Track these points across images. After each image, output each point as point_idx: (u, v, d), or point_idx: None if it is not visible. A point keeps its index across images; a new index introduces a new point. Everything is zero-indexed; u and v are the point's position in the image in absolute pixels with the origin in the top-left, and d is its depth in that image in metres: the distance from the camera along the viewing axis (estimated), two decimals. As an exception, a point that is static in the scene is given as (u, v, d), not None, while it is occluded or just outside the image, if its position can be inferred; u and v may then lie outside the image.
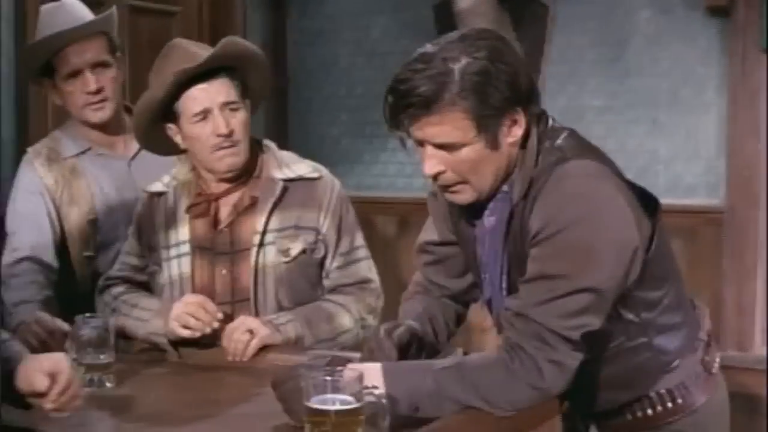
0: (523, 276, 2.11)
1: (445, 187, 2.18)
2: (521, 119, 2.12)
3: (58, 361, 2.06)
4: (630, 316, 2.18)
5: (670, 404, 2.24)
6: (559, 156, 2.12)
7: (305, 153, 3.01)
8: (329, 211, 2.83)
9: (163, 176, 2.94)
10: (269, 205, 2.80)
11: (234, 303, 2.80)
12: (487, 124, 2.07)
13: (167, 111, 2.77)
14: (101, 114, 3.12)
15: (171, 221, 2.87)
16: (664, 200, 2.27)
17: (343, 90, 5.83)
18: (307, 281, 2.82)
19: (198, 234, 2.84)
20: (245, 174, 2.83)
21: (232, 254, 2.81)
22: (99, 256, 3.15)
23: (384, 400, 1.93)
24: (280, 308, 2.78)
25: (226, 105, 2.75)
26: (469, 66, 2.05)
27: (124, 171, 3.19)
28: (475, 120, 2.06)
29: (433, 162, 2.12)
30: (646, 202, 2.18)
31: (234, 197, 2.84)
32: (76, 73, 3.08)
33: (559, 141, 2.16)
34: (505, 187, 2.16)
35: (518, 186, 2.14)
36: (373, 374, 2.03)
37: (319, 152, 2.85)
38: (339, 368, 1.97)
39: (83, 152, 3.19)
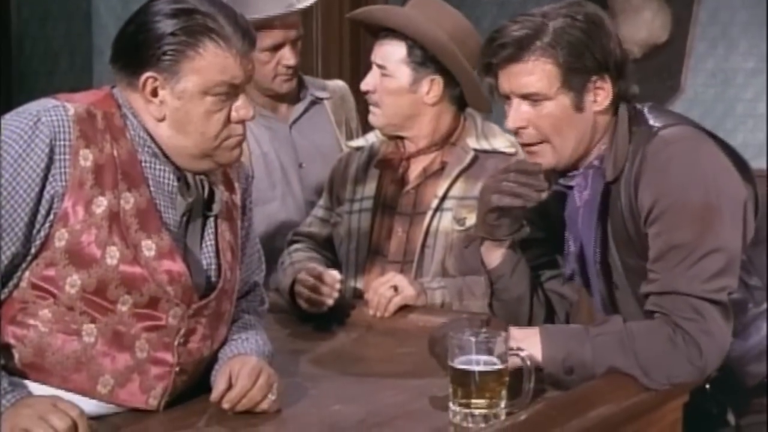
0: (630, 255, 2.13)
1: (526, 146, 2.20)
2: (608, 88, 2.14)
3: (246, 362, 1.99)
4: (753, 281, 2.17)
5: None
6: (651, 129, 2.13)
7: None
8: None
9: (368, 134, 3.03)
10: (455, 172, 2.81)
11: (404, 263, 2.82)
12: (573, 80, 2.11)
13: None
14: (288, 85, 3.16)
15: (361, 176, 2.93)
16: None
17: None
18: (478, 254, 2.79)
19: (384, 192, 2.89)
20: (442, 140, 2.86)
21: (412, 216, 2.84)
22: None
23: (529, 362, 1.92)
24: (444, 275, 2.77)
25: (379, 66, 2.84)
26: (565, 23, 2.11)
27: (285, 134, 3.23)
28: (562, 72, 2.10)
29: (517, 115, 2.15)
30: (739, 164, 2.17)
31: (425, 160, 2.87)
32: (278, 47, 3.10)
33: (646, 116, 2.17)
34: (596, 162, 2.17)
35: (611, 162, 2.14)
36: (531, 336, 2.05)
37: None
38: (485, 329, 1.96)
39: None
